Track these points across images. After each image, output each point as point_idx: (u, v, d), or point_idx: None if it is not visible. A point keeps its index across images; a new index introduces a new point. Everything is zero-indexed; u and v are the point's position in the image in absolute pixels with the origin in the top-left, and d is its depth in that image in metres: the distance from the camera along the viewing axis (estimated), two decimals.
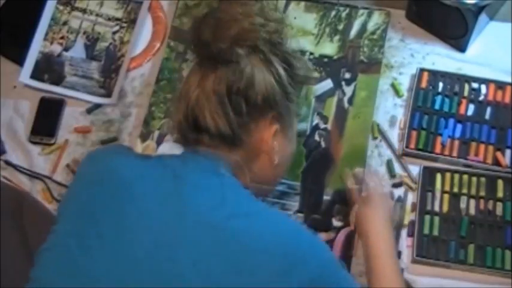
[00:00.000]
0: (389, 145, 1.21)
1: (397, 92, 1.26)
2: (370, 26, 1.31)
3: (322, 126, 1.23)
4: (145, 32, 1.36)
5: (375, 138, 1.22)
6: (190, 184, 0.81)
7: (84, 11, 1.38)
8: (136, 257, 0.77)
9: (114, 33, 1.36)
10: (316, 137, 1.22)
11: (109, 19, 1.37)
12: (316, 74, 1.26)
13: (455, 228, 1.12)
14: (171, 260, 0.76)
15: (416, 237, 1.10)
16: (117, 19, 1.37)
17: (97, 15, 1.37)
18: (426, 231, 1.11)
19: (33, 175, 1.22)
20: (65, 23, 1.36)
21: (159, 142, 1.23)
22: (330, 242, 1.11)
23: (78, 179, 0.91)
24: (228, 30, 0.83)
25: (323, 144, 1.21)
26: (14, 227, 1.07)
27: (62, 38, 1.35)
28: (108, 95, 1.30)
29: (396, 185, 1.17)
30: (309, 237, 0.82)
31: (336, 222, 1.14)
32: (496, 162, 1.17)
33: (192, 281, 0.74)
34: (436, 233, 1.11)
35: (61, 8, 1.38)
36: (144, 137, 1.24)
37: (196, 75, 0.86)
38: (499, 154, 1.17)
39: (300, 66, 0.90)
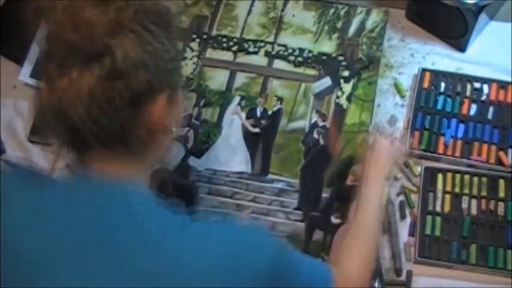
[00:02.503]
0: None
1: (399, 92, 1.23)
2: (369, 24, 1.29)
3: (320, 123, 1.21)
4: None
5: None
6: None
7: None
8: None
9: None
10: (315, 135, 1.20)
11: None
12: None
13: (457, 229, 1.08)
14: None
15: (418, 237, 1.07)
16: None
17: None
18: (428, 231, 1.08)
19: None
20: None
21: None
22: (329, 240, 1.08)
23: None
24: (92, 25, 0.68)
25: (321, 141, 1.19)
26: None
27: None
28: None
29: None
30: (242, 248, 0.73)
31: (335, 220, 1.11)
32: (499, 162, 1.14)
33: None
34: (438, 233, 1.08)
35: None
36: None
37: (62, 80, 0.69)
38: (501, 154, 1.14)
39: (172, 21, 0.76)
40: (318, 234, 1.09)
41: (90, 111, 0.68)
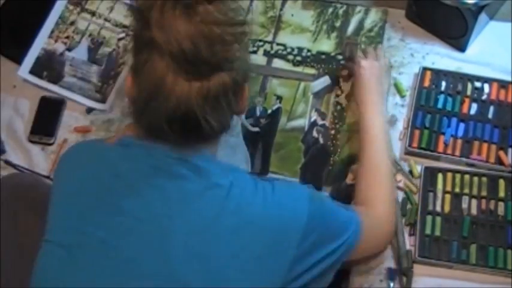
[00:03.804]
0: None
1: (399, 92, 1.21)
2: (367, 24, 1.28)
3: (320, 122, 1.19)
4: None
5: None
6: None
7: (93, 13, 1.33)
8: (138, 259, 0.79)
9: (119, 39, 1.31)
10: (314, 133, 1.18)
11: (116, 25, 1.32)
12: None
13: (457, 229, 1.06)
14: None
15: (418, 237, 1.05)
16: (124, 26, 1.32)
17: (105, 19, 1.33)
18: (428, 231, 1.06)
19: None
20: (72, 23, 1.32)
21: None
22: None
23: (62, 182, 0.90)
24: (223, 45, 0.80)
25: (321, 140, 1.18)
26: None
27: (66, 37, 1.31)
28: (103, 100, 1.25)
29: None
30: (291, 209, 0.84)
31: None
32: (499, 161, 1.12)
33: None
34: (438, 233, 1.06)
35: (71, 7, 1.34)
36: None
37: (184, 85, 0.79)
38: (501, 153, 1.12)
39: None
40: None
41: (209, 113, 0.80)
